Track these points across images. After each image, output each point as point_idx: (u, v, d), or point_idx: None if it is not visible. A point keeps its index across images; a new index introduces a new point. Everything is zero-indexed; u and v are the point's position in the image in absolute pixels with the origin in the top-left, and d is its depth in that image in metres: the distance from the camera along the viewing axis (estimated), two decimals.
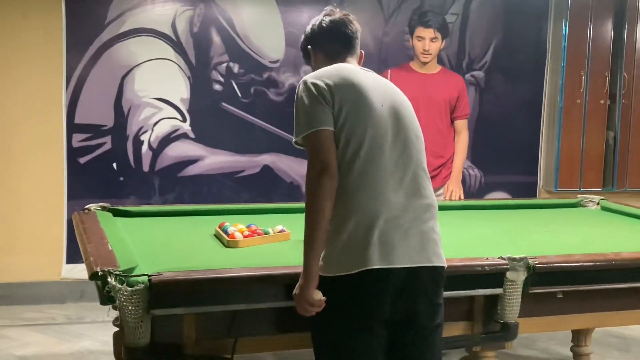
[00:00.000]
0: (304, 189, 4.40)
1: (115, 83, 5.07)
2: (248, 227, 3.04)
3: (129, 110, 5.12)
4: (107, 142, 5.10)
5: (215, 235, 3.07)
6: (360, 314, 2.21)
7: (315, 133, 2.24)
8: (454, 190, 4.53)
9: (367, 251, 2.18)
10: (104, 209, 3.49)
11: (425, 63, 4.49)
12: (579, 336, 4.24)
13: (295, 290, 2.24)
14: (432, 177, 4.47)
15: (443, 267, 2.33)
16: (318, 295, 2.20)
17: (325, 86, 2.28)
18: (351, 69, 2.40)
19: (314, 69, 2.49)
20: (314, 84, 2.30)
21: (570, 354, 4.29)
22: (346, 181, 2.23)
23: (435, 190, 4.54)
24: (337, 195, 2.23)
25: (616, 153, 6.11)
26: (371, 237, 2.19)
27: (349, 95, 2.29)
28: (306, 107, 2.28)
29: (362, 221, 2.20)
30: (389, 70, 4.52)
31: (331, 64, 2.42)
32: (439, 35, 4.40)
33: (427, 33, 4.35)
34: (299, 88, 2.33)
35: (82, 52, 4.99)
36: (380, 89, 2.39)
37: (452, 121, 4.60)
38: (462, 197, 4.55)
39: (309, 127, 2.25)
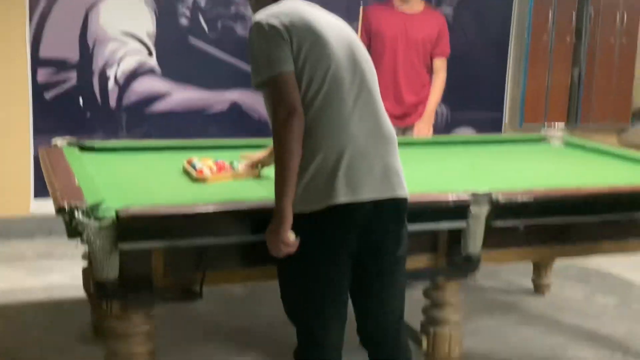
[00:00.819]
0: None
1: (80, 16, 4.95)
2: (216, 162, 3.02)
3: (94, 45, 5.01)
4: (72, 77, 5.00)
5: (183, 171, 3.05)
6: (326, 248, 2.23)
7: (277, 77, 2.20)
8: (422, 129, 4.53)
9: (333, 187, 2.18)
10: (70, 144, 3.45)
11: (406, 0, 4.45)
12: (539, 268, 4.36)
13: (269, 232, 2.23)
14: (406, 115, 4.54)
15: (406, 198, 2.35)
16: (292, 236, 2.21)
17: (281, 26, 2.22)
18: (304, 6, 2.35)
19: (254, 9, 2.42)
20: (270, 25, 2.23)
21: (531, 284, 4.41)
22: (310, 120, 2.21)
23: (409, 128, 4.56)
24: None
25: (581, 89, 6.15)
26: (337, 173, 2.19)
27: (306, 34, 2.24)
28: (264, 50, 2.22)
29: (328, 158, 2.20)
30: (361, 8, 4.46)
31: (275, 1, 2.36)
32: None
33: None
34: (252, 29, 2.26)
35: None
36: (333, 25, 2.35)
37: (431, 60, 4.58)
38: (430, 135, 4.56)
39: (270, 71, 2.20)
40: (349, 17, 4.10)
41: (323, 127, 2.22)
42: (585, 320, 4.01)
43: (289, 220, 2.19)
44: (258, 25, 2.25)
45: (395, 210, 2.32)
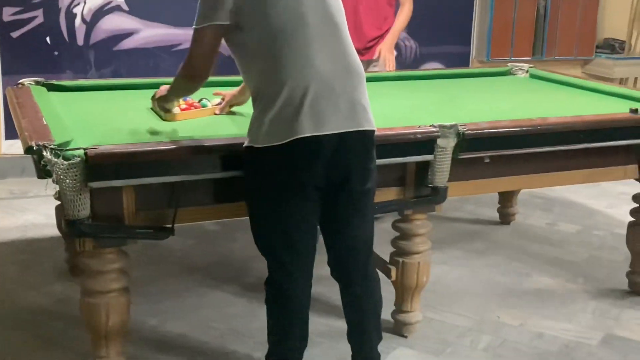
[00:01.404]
0: None
1: None
2: (185, 100, 2.97)
3: None
4: (39, 16, 4.86)
5: (152, 109, 3.00)
6: (293, 181, 2.23)
7: (209, 28, 2.20)
8: (386, 55, 4.39)
9: (298, 121, 2.16)
10: (38, 83, 3.36)
11: None
12: (505, 198, 4.41)
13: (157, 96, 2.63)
14: (369, 48, 4.46)
15: (373, 130, 2.33)
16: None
17: None
18: None
19: None
20: None
21: (497, 214, 4.46)
22: (274, 55, 2.19)
23: (372, 61, 4.49)
24: (266, 72, 2.21)
25: (546, 22, 6.13)
26: (302, 107, 2.17)
27: None
28: None
29: (293, 93, 2.17)
30: None
31: None
32: None
33: None
34: None
35: None
36: None
37: None
38: (394, 64, 4.43)
39: (204, 19, 2.21)
40: None
41: (287, 63, 2.18)
42: (548, 247, 4.08)
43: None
44: None
45: (362, 144, 2.30)
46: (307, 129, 2.17)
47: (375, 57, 4.33)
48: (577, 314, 3.30)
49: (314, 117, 2.18)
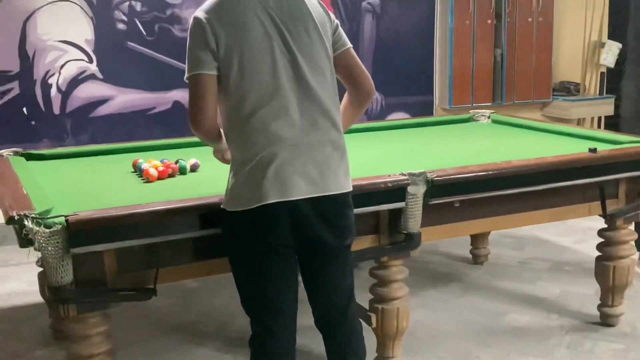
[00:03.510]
0: None
1: (18, 27, 4.81)
2: (162, 162, 2.97)
3: (34, 54, 4.87)
4: (14, 87, 4.86)
5: (132, 172, 2.99)
6: (262, 243, 2.20)
7: (194, 77, 2.17)
8: None
9: (263, 187, 2.14)
10: (16, 153, 3.34)
11: None
12: (476, 240, 4.42)
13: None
14: None
15: (345, 193, 2.28)
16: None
17: (208, 24, 2.15)
18: None
19: None
20: (198, 22, 2.17)
21: (470, 255, 4.47)
22: (243, 117, 2.17)
23: None
24: (238, 137, 2.19)
25: (504, 69, 6.24)
26: (267, 174, 2.14)
27: (234, 33, 2.15)
28: (189, 47, 2.19)
29: (261, 160, 2.15)
30: None
31: None
32: None
33: None
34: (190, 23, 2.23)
35: None
36: (273, 16, 2.20)
37: None
38: None
39: (190, 69, 2.18)
40: None
41: (257, 130, 2.16)
42: (522, 285, 4.08)
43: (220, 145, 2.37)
44: (192, 19, 2.20)
45: (332, 207, 2.25)
46: (271, 196, 2.14)
47: None
48: (554, 349, 3.29)
49: (280, 184, 2.15)
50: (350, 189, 2.32)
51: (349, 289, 2.42)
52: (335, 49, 2.33)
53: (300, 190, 2.18)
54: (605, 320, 3.52)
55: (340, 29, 2.38)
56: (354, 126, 4.15)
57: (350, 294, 2.42)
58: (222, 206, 2.24)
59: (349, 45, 2.38)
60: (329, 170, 2.24)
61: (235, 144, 2.22)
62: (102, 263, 2.31)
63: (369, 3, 5.76)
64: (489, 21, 6.10)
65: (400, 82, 6.01)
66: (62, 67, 4.95)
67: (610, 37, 6.74)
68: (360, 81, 2.40)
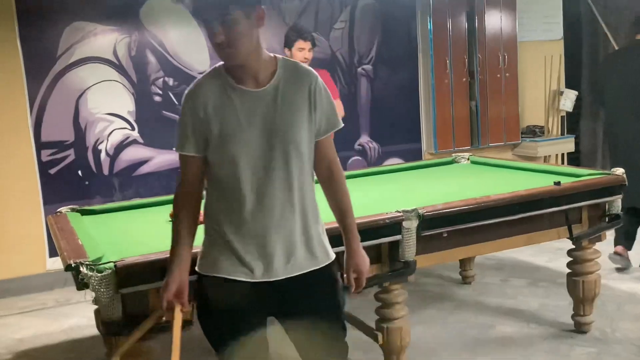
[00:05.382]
0: None
1: (72, 104, 4.87)
2: None
3: (85, 126, 4.92)
4: (70, 154, 4.89)
5: (169, 221, 2.98)
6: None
7: (179, 153, 1.94)
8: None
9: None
10: (73, 210, 3.34)
11: None
12: (464, 263, 4.37)
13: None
14: None
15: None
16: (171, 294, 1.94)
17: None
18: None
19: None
20: (187, 94, 1.91)
21: (459, 277, 4.42)
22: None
23: None
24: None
25: (478, 117, 6.25)
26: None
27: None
28: (178, 122, 1.94)
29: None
30: None
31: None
32: (312, 46, 4.31)
33: (307, 45, 4.21)
34: None
35: (40, 83, 4.76)
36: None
37: None
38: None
39: (176, 146, 1.93)
40: None
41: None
42: (505, 300, 4.02)
43: (170, 278, 1.93)
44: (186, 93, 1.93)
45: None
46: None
47: None
48: (535, 354, 3.23)
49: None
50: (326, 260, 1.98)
51: (334, 346, 2.03)
52: None
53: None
54: (579, 328, 3.45)
55: None
56: (357, 172, 4.18)
57: (335, 349, 2.04)
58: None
59: None
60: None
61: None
62: (146, 300, 2.29)
63: (363, 69, 5.82)
64: (464, 79, 6.13)
65: (393, 133, 6.02)
66: (109, 135, 4.99)
67: (567, 85, 6.76)
68: None
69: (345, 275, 2.09)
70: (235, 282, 1.89)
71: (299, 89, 1.89)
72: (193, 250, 1.98)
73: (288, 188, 1.88)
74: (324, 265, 1.97)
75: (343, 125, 2.00)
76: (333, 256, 2.01)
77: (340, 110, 4.59)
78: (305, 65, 1.96)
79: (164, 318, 2.06)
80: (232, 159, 1.85)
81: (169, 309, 1.95)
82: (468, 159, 4.29)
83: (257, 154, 1.85)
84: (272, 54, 1.93)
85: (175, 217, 1.96)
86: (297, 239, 1.91)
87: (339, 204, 2.04)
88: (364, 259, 2.11)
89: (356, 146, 5.86)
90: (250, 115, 1.85)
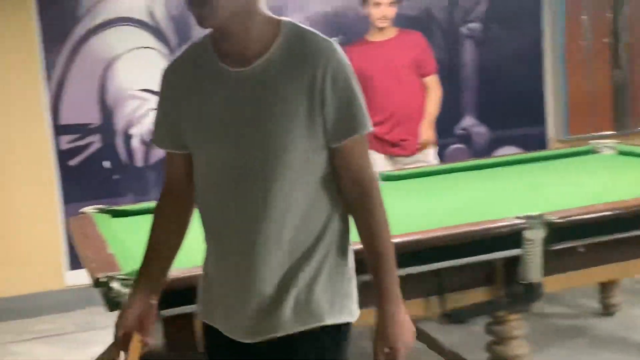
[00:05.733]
0: None
1: (97, 78, 5.03)
2: None
3: (114, 106, 5.08)
4: (96, 141, 5.06)
5: None
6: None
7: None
8: (426, 137, 4.45)
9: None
10: (100, 211, 3.43)
11: (381, 29, 4.48)
12: (606, 287, 4.27)
13: None
14: (403, 142, 4.47)
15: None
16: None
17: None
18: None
19: None
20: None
21: (599, 305, 4.32)
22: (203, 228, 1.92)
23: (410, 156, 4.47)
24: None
25: (626, 92, 6.08)
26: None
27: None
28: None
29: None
30: None
31: None
32: None
33: None
34: None
35: (58, 50, 4.93)
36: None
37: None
38: (435, 144, 4.57)
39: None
40: None
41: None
42: None
43: (129, 302, 1.95)
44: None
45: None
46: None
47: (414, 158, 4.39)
48: None
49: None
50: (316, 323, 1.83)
51: None
52: None
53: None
54: None
55: None
56: (459, 164, 4.15)
57: None
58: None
59: None
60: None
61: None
62: (191, 325, 2.29)
63: (468, 28, 5.75)
64: (606, 39, 5.98)
65: (508, 113, 5.93)
66: (143, 117, 5.12)
67: None
68: None
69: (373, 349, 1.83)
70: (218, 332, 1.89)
71: (297, 75, 1.67)
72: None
73: (264, 216, 1.71)
74: (305, 329, 1.77)
75: (371, 129, 1.76)
76: (334, 320, 1.78)
77: (435, 89, 4.59)
78: (321, 38, 1.71)
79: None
80: (198, 170, 1.82)
81: (124, 341, 1.92)
82: (614, 148, 4.18)
83: (226, 166, 1.73)
84: (277, 18, 1.73)
85: (151, 225, 1.98)
86: (272, 290, 1.76)
87: (367, 240, 1.79)
88: (404, 329, 1.80)
89: (458, 131, 5.82)
90: (223, 109, 1.73)
